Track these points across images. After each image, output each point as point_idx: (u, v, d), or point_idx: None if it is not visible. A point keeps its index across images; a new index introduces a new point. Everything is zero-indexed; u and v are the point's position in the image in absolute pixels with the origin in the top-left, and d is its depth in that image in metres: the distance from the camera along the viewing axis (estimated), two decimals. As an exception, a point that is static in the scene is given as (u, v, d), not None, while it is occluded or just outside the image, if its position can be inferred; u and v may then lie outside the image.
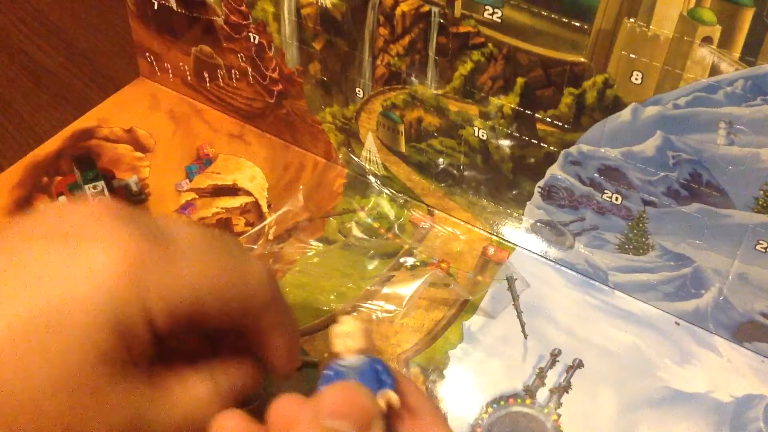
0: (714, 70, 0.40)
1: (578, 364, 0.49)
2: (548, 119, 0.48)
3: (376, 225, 0.57)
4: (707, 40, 0.40)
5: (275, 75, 0.60)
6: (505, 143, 0.51)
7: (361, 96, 0.56)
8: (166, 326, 0.30)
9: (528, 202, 0.53)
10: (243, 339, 0.35)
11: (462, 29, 0.47)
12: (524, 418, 0.47)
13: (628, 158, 0.46)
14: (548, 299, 0.52)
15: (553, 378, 0.48)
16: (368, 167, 0.60)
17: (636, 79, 0.43)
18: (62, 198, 0.56)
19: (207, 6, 0.59)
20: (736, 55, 0.39)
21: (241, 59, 0.61)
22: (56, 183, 0.59)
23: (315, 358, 0.48)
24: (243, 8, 0.57)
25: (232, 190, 0.60)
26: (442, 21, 0.48)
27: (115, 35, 0.73)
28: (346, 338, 0.29)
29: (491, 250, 0.55)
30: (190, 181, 0.60)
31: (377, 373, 0.29)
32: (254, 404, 0.46)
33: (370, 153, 0.59)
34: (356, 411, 0.27)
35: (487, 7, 0.46)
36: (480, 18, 0.46)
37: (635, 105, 0.44)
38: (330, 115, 0.59)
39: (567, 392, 0.48)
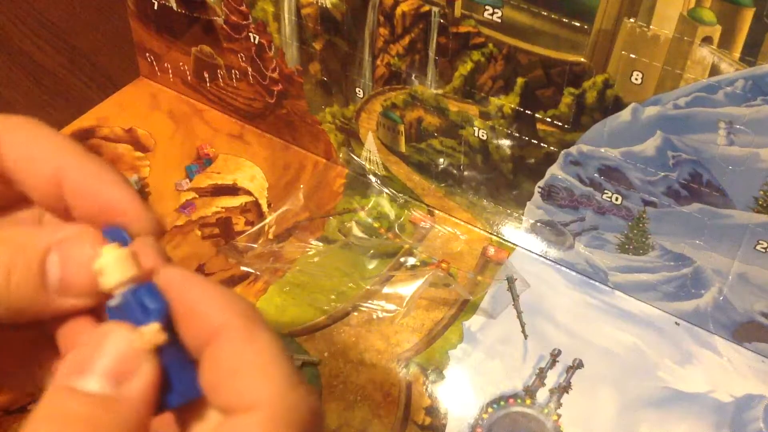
0: (714, 70, 0.40)
1: (578, 365, 0.49)
2: (548, 119, 0.48)
3: (376, 225, 0.57)
4: (707, 40, 0.40)
5: (275, 75, 0.60)
6: (505, 143, 0.51)
7: (361, 96, 0.56)
8: None
9: (528, 202, 0.53)
10: None
11: (462, 29, 0.47)
12: (524, 419, 0.47)
13: (628, 158, 0.46)
14: (548, 299, 0.52)
15: (553, 378, 0.48)
16: (368, 167, 0.60)
17: (636, 79, 0.43)
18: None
19: (207, 6, 0.59)
20: (736, 55, 0.39)
21: (241, 59, 0.61)
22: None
23: (315, 357, 0.48)
24: (243, 8, 0.57)
25: (232, 190, 0.60)
26: (442, 21, 0.48)
27: (115, 35, 0.73)
28: (104, 275, 0.24)
29: (491, 250, 0.55)
30: (191, 180, 0.60)
31: (142, 303, 0.24)
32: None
33: (370, 153, 0.59)
34: (107, 361, 0.23)
35: (487, 7, 0.46)
36: (480, 18, 0.46)
37: (635, 105, 0.44)
38: (330, 115, 0.59)
39: (567, 392, 0.48)
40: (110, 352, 0.23)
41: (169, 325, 0.24)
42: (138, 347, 0.23)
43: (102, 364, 0.23)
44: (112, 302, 0.24)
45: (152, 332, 0.24)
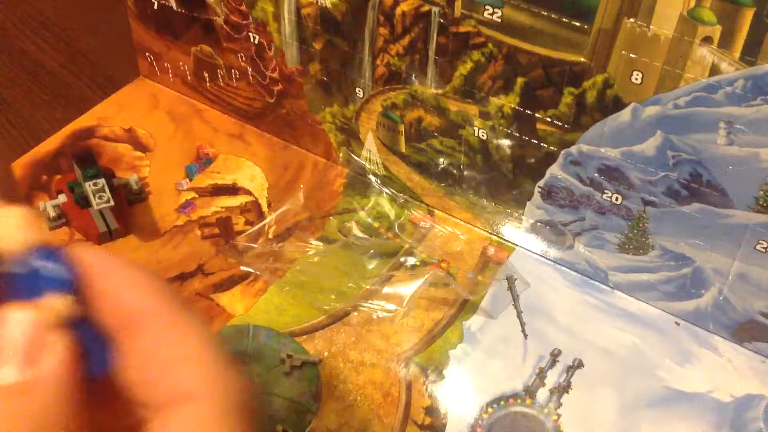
0: (714, 70, 0.40)
1: (578, 364, 0.49)
2: (548, 119, 0.48)
3: (376, 224, 0.57)
4: (707, 40, 0.40)
5: (275, 75, 0.60)
6: (505, 143, 0.51)
7: (361, 96, 0.56)
8: None
9: (528, 202, 0.53)
10: None
11: (462, 29, 0.47)
12: (524, 418, 0.47)
13: (628, 158, 0.46)
14: (548, 299, 0.52)
15: (553, 378, 0.48)
16: (368, 167, 0.60)
17: (636, 79, 0.43)
18: (62, 196, 0.56)
19: (207, 6, 0.59)
20: (736, 55, 0.39)
21: (241, 59, 0.61)
22: (56, 181, 0.59)
23: (315, 357, 0.48)
24: (243, 8, 0.57)
25: (232, 190, 0.60)
26: (442, 21, 0.48)
27: (115, 35, 0.73)
28: (5, 239, 0.21)
29: (491, 250, 0.55)
30: (190, 180, 0.60)
31: (46, 272, 0.22)
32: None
33: (370, 153, 0.59)
34: (15, 347, 0.21)
35: (487, 7, 0.46)
36: (480, 18, 0.46)
37: (635, 105, 0.44)
38: (330, 115, 0.59)
39: (567, 392, 0.48)
40: (16, 337, 0.21)
41: (78, 296, 0.22)
42: (43, 323, 0.21)
43: (11, 352, 0.21)
44: (16, 269, 0.22)
45: (55, 305, 0.22)
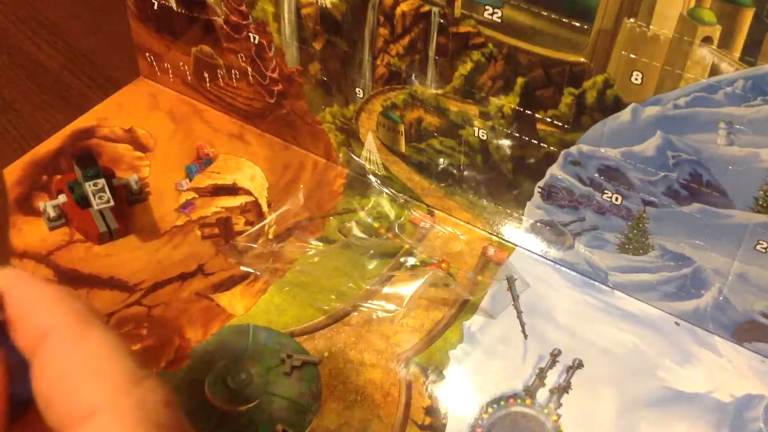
0: (714, 70, 0.40)
1: (578, 365, 0.49)
2: (548, 119, 0.48)
3: (376, 225, 0.57)
4: (707, 40, 0.40)
5: (275, 75, 0.60)
6: (505, 143, 0.51)
7: (361, 96, 0.56)
8: None
9: (528, 202, 0.53)
10: None
11: (462, 29, 0.47)
12: (524, 419, 0.47)
13: (628, 158, 0.46)
14: (548, 299, 0.52)
15: (553, 378, 0.48)
16: (368, 167, 0.60)
17: (636, 79, 0.43)
18: (62, 196, 0.56)
19: (207, 6, 0.59)
20: (736, 55, 0.39)
21: (241, 59, 0.61)
22: (56, 181, 0.59)
23: (315, 357, 0.48)
24: (243, 8, 0.57)
25: (232, 190, 0.60)
26: (442, 21, 0.48)
27: (115, 35, 0.73)
28: None
29: (491, 250, 0.55)
30: (190, 180, 0.60)
31: None
32: (253, 403, 0.46)
33: (370, 153, 0.59)
34: None
35: (487, 7, 0.46)
36: (480, 18, 0.46)
37: (635, 105, 0.44)
38: (330, 115, 0.59)
39: (567, 392, 0.48)
40: None
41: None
42: None
43: None
44: None
45: None
